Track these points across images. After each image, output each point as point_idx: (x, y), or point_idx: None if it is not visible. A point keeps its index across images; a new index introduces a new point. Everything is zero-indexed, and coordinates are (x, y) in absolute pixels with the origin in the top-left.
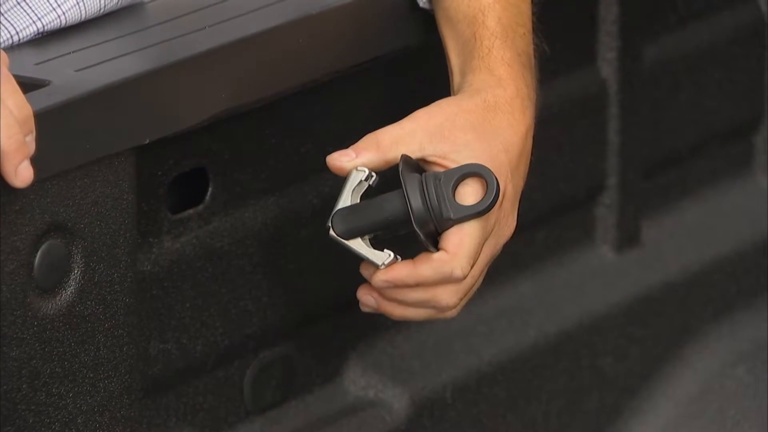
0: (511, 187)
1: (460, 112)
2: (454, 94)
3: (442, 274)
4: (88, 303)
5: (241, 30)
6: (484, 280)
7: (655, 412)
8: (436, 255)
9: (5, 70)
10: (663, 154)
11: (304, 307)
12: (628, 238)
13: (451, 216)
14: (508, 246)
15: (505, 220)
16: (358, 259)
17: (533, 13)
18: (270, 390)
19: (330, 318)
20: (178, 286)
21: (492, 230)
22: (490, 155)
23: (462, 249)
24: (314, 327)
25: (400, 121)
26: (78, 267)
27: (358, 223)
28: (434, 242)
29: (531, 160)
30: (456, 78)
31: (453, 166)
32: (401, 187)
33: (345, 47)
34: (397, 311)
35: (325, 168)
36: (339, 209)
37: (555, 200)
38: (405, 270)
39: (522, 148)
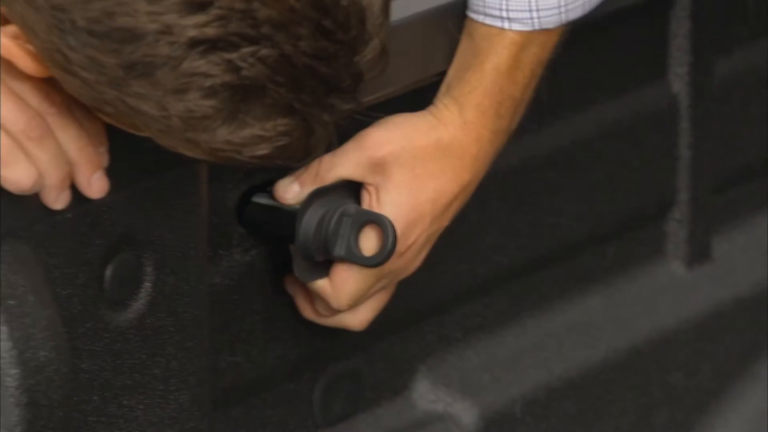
0: (425, 236)
1: (408, 147)
2: (439, 92)
3: (325, 300)
4: (159, 315)
5: None
6: (552, 295)
7: (725, 428)
8: (321, 283)
9: None
10: (734, 168)
11: (373, 320)
12: (699, 254)
13: (342, 255)
14: (578, 261)
15: (405, 266)
16: (428, 274)
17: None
18: (339, 403)
19: (399, 331)
20: (248, 298)
21: (385, 276)
22: (412, 205)
23: (344, 289)
24: (383, 340)
25: (348, 146)
26: (149, 279)
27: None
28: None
29: (601, 173)
30: (444, 86)
31: (379, 201)
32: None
33: (414, 63)
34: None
35: None
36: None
37: (626, 215)
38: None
39: (457, 194)
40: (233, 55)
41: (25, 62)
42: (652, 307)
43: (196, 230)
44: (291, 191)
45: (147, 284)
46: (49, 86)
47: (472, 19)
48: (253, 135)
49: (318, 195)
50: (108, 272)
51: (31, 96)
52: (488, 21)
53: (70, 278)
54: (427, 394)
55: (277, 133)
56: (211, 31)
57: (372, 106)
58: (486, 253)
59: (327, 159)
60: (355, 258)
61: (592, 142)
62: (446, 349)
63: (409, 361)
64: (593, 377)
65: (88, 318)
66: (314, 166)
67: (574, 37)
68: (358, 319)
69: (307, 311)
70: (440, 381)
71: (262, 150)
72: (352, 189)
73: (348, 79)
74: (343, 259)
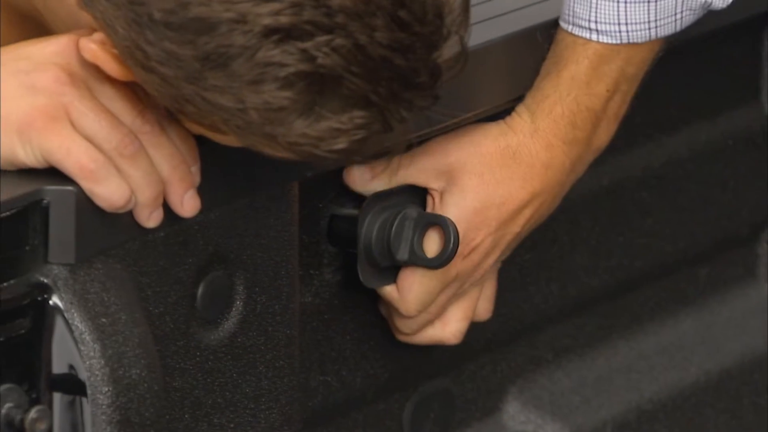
0: (491, 240)
1: (476, 154)
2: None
3: (394, 306)
4: (250, 334)
5: None
6: (643, 316)
7: None
8: (388, 288)
9: None
10: None
11: (463, 340)
12: None
13: (406, 258)
14: (670, 283)
15: (471, 269)
16: (518, 295)
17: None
18: (429, 423)
19: (490, 352)
20: (338, 318)
21: (453, 279)
22: (476, 208)
23: (410, 294)
24: (474, 361)
25: (417, 153)
26: (240, 298)
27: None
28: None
29: (693, 195)
30: (521, 103)
31: (442, 203)
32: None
33: (509, 81)
34: None
35: None
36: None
37: (718, 237)
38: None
39: (527, 201)
40: (308, 44)
41: (110, 65)
42: (744, 329)
43: (287, 250)
44: (362, 178)
45: (238, 303)
46: (142, 105)
47: (561, 28)
48: (330, 128)
49: (378, 199)
50: (200, 291)
51: (125, 114)
52: (575, 31)
53: (162, 296)
54: (517, 416)
55: (354, 126)
56: (284, 19)
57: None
58: (577, 273)
59: (397, 164)
60: (418, 260)
61: (684, 163)
62: (537, 370)
63: (500, 382)
64: (684, 399)
65: (179, 336)
66: (386, 163)
67: (668, 57)
68: (449, 330)
69: (396, 331)
70: (530, 402)
71: (340, 144)
72: (415, 193)
73: (425, 74)
74: (406, 263)
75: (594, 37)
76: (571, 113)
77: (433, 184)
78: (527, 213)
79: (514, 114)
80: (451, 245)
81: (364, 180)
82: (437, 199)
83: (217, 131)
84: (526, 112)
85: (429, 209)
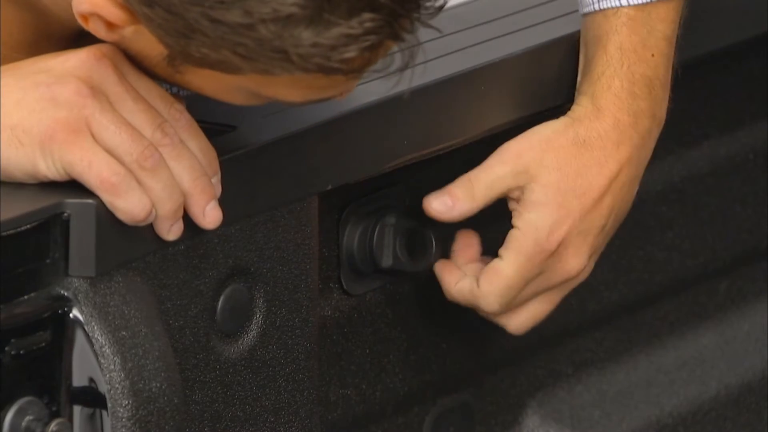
0: (576, 234)
1: (549, 149)
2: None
3: (473, 303)
4: (270, 347)
5: (422, 78)
6: (663, 330)
7: None
8: (466, 283)
9: (188, 114)
10: None
11: (483, 354)
12: None
13: (390, 265)
14: (690, 297)
15: (561, 265)
16: None
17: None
18: None
19: (509, 366)
20: (358, 331)
21: (537, 275)
22: (559, 202)
23: (491, 290)
24: (493, 375)
25: (492, 163)
26: (260, 311)
27: None
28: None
29: (713, 209)
30: (576, 96)
31: (523, 204)
32: None
33: (526, 95)
34: None
35: None
36: None
37: (737, 251)
38: None
39: (606, 187)
40: None
41: (110, 10)
42: (764, 343)
43: (307, 263)
44: (445, 205)
45: (258, 316)
46: (162, 117)
47: (587, 17)
48: (340, 34)
49: (357, 207)
50: (219, 304)
51: (145, 126)
52: (603, 5)
53: (183, 310)
54: (536, 429)
55: (365, 30)
56: None
57: (484, 138)
58: (597, 287)
59: (480, 179)
60: (402, 266)
61: (704, 177)
62: (556, 384)
63: (519, 396)
64: (704, 414)
65: (199, 349)
66: (467, 189)
67: (688, 70)
68: (517, 321)
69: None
70: (550, 416)
71: (351, 52)
72: (392, 198)
73: None
74: (391, 269)
75: (624, 2)
76: (629, 83)
77: (513, 188)
78: (608, 201)
79: (574, 106)
80: (429, 249)
81: (448, 208)
82: (518, 203)
83: (226, 69)
84: (584, 96)
85: (514, 217)
